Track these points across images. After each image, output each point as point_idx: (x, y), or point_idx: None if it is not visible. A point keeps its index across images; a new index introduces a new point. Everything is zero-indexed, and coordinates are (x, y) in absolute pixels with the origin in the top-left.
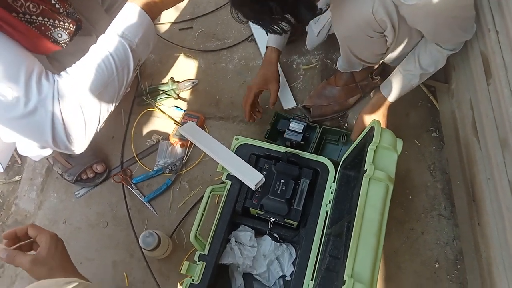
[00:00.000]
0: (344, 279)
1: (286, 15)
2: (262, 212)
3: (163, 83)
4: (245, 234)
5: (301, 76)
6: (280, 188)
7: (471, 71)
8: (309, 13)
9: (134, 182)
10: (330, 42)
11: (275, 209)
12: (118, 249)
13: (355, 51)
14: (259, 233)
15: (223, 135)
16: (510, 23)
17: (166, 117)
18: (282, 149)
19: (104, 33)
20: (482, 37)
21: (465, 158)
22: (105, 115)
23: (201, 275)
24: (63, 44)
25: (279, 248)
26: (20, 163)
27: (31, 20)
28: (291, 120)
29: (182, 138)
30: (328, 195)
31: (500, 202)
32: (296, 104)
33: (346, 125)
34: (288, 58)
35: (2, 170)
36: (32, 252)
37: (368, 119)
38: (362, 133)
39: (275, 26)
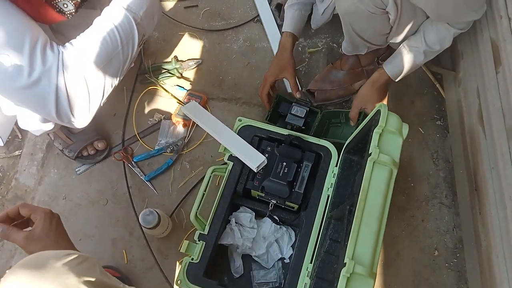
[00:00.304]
0: (344, 261)
1: None
2: (263, 194)
3: (167, 62)
4: (245, 215)
5: (306, 60)
6: (282, 171)
7: (479, 59)
8: None
9: (135, 160)
10: (337, 25)
11: (276, 192)
12: (118, 226)
13: (357, 29)
14: (259, 215)
15: (226, 117)
16: None
17: (168, 96)
18: (285, 131)
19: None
20: (493, 23)
21: (469, 147)
22: (109, 89)
23: (201, 254)
24: (68, 15)
25: (278, 230)
26: (20, 137)
27: None
28: (293, 104)
29: (184, 118)
30: (330, 179)
31: (503, 192)
32: (300, 87)
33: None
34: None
35: (2, 144)
36: (29, 229)
37: (367, 95)
38: (368, 117)
39: None
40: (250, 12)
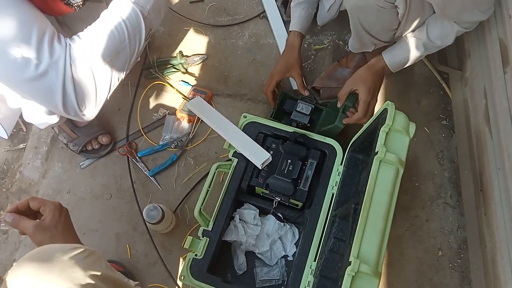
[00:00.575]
0: (350, 260)
1: None
2: (267, 191)
3: (172, 57)
4: (249, 212)
5: (312, 57)
6: (286, 168)
7: (487, 59)
8: None
9: (139, 155)
10: (343, 23)
11: (280, 189)
12: (122, 221)
13: (365, 24)
14: (263, 212)
15: (230, 113)
16: None
17: (173, 91)
18: (290, 129)
19: None
20: (501, 23)
21: (475, 147)
22: (115, 83)
23: (204, 250)
24: (76, 7)
25: (282, 228)
26: (25, 131)
27: None
28: (298, 101)
29: (189, 114)
30: (335, 178)
31: (509, 192)
32: (306, 85)
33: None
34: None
35: (6, 137)
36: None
37: (361, 77)
38: (374, 115)
39: None
40: (256, 8)
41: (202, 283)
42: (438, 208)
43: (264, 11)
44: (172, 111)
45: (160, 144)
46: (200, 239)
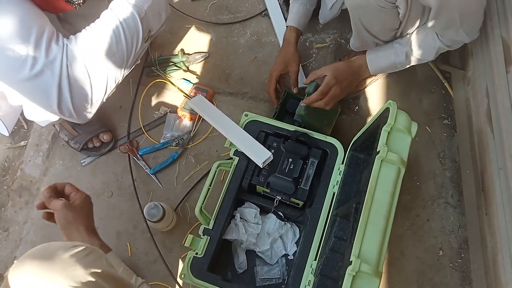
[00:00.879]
0: (350, 259)
1: None
2: (268, 190)
3: (173, 55)
4: (250, 211)
5: (314, 55)
6: (287, 167)
7: (490, 58)
8: None
9: (140, 153)
10: (345, 21)
11: (281, 188)
12: (122, 219)
13: (366, 24)
14: (264, 211)
15: (232, 111)
16: None
17: (175, 89)
18: (291, 127)
19: None
20: (504, 22)
21: (476, 146)
22: (112, 85)
23: (205, 249)
24: (76, 5)
25: (283, 227)
26: (26, 128)
27: None
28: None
29: (190, 112)
30: (336, 177)
31: (511, 192)
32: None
33: (357, 107)
34: (301, 36)
35: (7, 135)
36: None
37: (336, 67)
38: (376, 114)
39: None
40: (257, 6)
41: (203, 282)
42: (439, 207)
43: (266, 9)
44: (174, 109)
45: (161, 142)
46: (201, 238)
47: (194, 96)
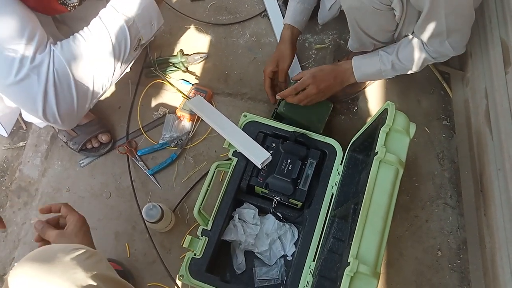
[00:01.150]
0: (348, 260)
1: None
2: (267, 191)
3: (172, 55)
4: (248, 211)
5: (313, 56)
6: (286, 168)
7: (488, 59)
8: None
9: (139, 154)
10: (344, 22)
11: (280, 189)
12: (121, 220)
13: (363, 25)
14: (262, 212)
15: (231, 112)
16: None
17: (174, 90)
18: (290, 128)
19: None
20: (503, 23)
21: (475, 147)
22: (99, 91)
23: (203, 249)
24: (71, 8)
25: (282, 227)
26: (25, 129)
27: None
28: None
29: (189, 113)
30: (335, 177)
31: (509, 193)
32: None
33: (356, 108)
34: (300, 36)
35: (6, 135)
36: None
37: (316, 68)
38: (375, 115)
39: None
40: (257, 7)
41: (201, 283)
42: (438, 208)
43: (265, 10)
44: (172, 109)
45: (160, 143)
46: (199, 238)
47: (193, 97)
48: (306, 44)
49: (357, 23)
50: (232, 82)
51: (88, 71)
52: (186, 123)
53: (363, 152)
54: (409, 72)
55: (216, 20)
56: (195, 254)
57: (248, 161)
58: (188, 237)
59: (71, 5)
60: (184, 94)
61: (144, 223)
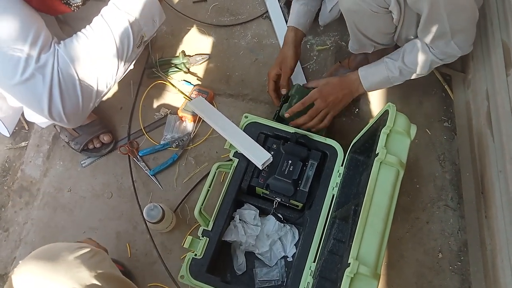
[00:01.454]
0: (349, 261)
1: None
2: (267, 192)
3: (174, 56)
4: (249, 212)
5: (314, 57)
6: (287, 169)
7: (490, 61)
8: None
9: (140, 154)
10: (345, 24)
11: (281, 190)
12: (122, 220)
13: (361, 28)
14: (263, 213)
15: (232, 113)
16: None
17: (175, 91)
18: (291, 129)
19: None
20: (505, 26)
21: (476, 149)
22: (103, 89)
23: (204, 250)
24: (75, 8)
25: (282, 228)
26: (27, 129)
27: None
28: None
29: (191, 113)
30: (336, 179)
31: (510, 195)
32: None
33: (357, 109)
34: (304, 37)
35: (8, 135)
36: None
37: (325, 83)
38: (375, 116)
39: None
40: (259, 8)
41: (201, 283)
42: (438, 210)
43: (267, 12)
44: (174, 110)
45: (161, 143)
46: (200, 239)
47: (194, 98)
48: (308, 46)
49: (355, 25)
50: (234, 83)
51: (92, 70)
52: (188, 124)
53: (364, 153)
54: (418, 76)
55: (218, 21)
56: (195, 255)
57: (249, 162)
58: (189, 238)
59: (75, 5)
60: (186, 95)
61: (145, 223)
